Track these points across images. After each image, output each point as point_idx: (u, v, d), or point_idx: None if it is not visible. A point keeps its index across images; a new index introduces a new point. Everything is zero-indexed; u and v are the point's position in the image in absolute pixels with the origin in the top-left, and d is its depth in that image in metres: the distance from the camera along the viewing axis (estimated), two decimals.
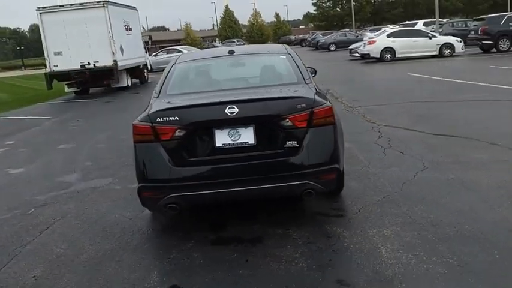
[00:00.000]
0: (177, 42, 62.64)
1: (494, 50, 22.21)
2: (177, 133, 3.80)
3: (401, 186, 4.87)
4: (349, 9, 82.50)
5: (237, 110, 3.75)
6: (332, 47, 40.45)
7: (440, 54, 22.21)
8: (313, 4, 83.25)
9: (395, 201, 4.51)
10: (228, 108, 3.76)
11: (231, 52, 5.01)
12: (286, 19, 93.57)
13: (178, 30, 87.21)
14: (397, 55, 22.78)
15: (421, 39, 22.94)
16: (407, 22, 38.39)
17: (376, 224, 4.02)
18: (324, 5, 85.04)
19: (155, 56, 32.03)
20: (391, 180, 5.08)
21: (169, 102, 4.05)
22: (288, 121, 3.79)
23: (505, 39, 22.02)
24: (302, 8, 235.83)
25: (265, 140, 3.83)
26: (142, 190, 3.96)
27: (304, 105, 3.83)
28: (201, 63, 5.15)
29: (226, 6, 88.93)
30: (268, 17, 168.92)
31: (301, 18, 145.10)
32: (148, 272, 3.59)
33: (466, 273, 3.14)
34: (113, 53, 17.79)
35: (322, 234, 3.95)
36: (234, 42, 73.07)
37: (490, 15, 24.13)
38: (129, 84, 20.20)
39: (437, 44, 22.65)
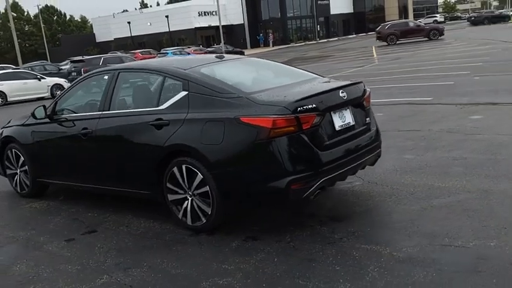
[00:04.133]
0: None
1: None
2: (315, 120, 4.04)
3: None
4: None
5: (346, 94, 4.36)
6: None
7: (52, 95, 22.38)
8: None
9: None
10: (341, 93, 4.32)
11: (222, 57, 5.14)
12: None
13: None
14: (9, 99, 21.83)
15: (32, 81, 22.67)
16: None
17: (406, 174, 5.36)
18: None
19: None
20: None
21: (299, 93, 4.12)
22: (364, 101, 4.67)
23: None
24: None
25: (356, 118, 4.56)
26: (292, 183, 3.88)
27: (365, 88, 4.81)
28: (223, 67, 4.94)
29: None
30: None
31: None
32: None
33: None
34: None
35: (383, 193, 4.96)
36: None
37: (87, 57, 26.13)
38: None
39: (48, 86, 22.92)
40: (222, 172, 4.07)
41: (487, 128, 7.08)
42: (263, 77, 5.03)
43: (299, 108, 3.89)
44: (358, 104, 4.57)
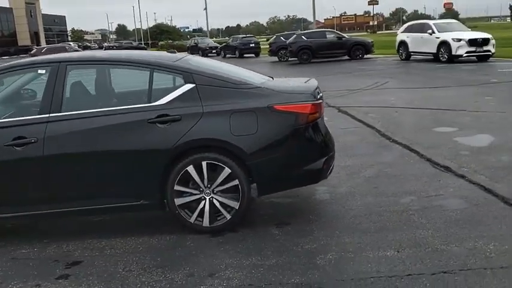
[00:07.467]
0: None
1: None
2: (323, 107, 4.59)
3: None
4: None
5: None
6: None
7: None
8: None
9: None
10: None
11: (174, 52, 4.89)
12: None
13: None
14: None
15: None
16: None
17: None
18: None
19: None
20: None
21: (306, 84, 4.50)
22: None
23: None
24: None
25: None
26: (325, 163, 4.31)
27: None
28: (199, 61, 4.57)
29: None
30: None
31: None
32: None
33: None
34: None
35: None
36: None
37: None
38: None
39: None
40: (260, 162, 4.06)
41: None
42: (238, 72, 5.00)
43: (318, 96, 4.34)
44: None
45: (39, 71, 4.14)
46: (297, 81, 4.77)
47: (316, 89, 4.36)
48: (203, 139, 4.00)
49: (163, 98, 4.06)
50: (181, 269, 3.54)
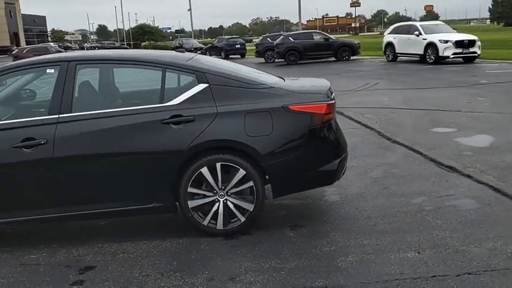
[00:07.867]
0: None
1: None
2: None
3: None
4: None
5: None
6: None
7: None
8: None
9: None
10: None
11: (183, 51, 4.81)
12: None
13: None
14: None
15: None
16: None
17: None
18: None
19: None
20: None
21: (318, 85, 4.45)
22: None
23: None
24: None
25: None
26: (339, 164, 4.26)
27: None
28: (209, 60, 4.49)
29: None
30: None
31: None
32: None
33: None
34: None
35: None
36: None
37: None
38: None
39: None
40: (275, 163, 3.99)
41: None
42: (250, 71, 4.91)
43: (331, 96, 4.29)
44: None
45: (48, 71, 4.02)
46: (309, 81, 4.72)
47: (329, 88, 4.32)
48: (217, 140, 3.93)
49: (177, 98, 3.98)
50: (200, 273, 3.47)
